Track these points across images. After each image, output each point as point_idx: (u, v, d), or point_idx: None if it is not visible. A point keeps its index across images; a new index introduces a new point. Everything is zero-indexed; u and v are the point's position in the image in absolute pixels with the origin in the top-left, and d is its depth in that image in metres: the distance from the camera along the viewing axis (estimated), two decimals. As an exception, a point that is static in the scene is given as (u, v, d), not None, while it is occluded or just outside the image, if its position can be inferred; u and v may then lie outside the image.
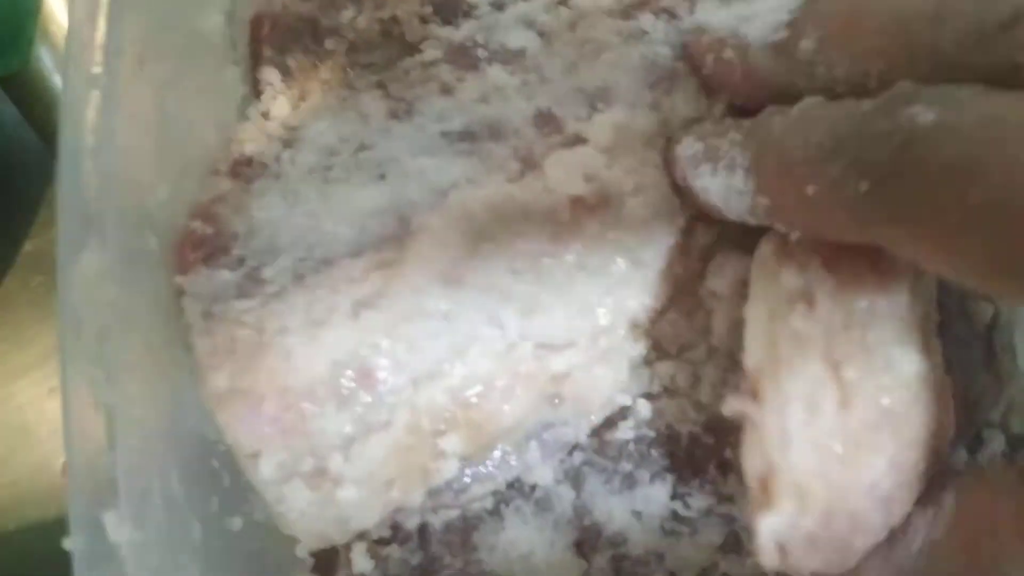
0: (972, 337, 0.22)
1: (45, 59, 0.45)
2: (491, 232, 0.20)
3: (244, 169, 0.25)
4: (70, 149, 0.19)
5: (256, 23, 0.27)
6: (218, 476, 0.23)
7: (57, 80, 0.46)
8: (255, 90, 0.27)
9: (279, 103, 0.26)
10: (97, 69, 0.19)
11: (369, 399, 0.20)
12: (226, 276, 0.21)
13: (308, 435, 0.20)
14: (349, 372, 0.20)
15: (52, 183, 0.52)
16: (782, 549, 0.18)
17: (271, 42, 0.27)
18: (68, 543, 0.18)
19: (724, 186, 0.19)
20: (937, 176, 0.14)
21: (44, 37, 0.45)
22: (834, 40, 0.18)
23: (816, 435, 0.17)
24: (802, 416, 0.18)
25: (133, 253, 0.20)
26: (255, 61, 0.27)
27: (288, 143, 0.25)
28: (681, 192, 0.21)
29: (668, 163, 0.21)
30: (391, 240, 0.21)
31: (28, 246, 0.50)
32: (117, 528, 0.18)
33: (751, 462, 0.18)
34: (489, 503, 0.22)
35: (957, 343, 0.21)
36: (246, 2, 0.27)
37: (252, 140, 0.25)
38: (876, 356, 0.18)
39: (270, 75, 0.26)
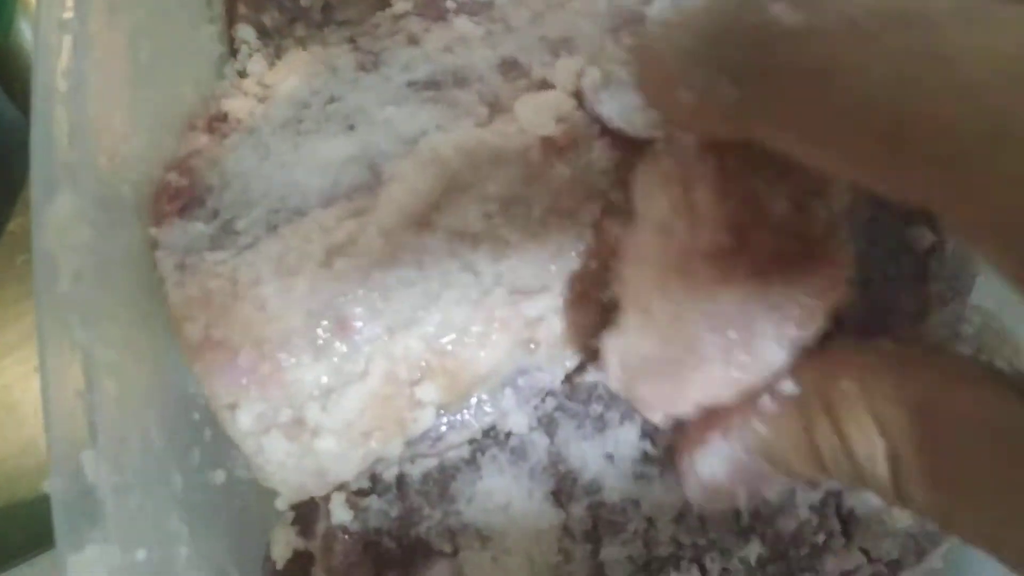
0: (902, 252, 0.22)
1: (25, 34, 0.45)
2: (462, 176, 0.21)
3: (220, 124, 0.25)
4: (42, 93, 0.19)
5: (233, -19, 0.27)
6: (199, 429, 0.23)
7: (38, 56, 0.45)
8: (231, 49, 0.27)
9: (255, 61, 0.26)
10: (68, 14, 0.19)
11: (345, 348, 0.20)
12: (200, 228, 0.21)
13: (285, 385, 0.20)
14: (324, 322, 0.20)
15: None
16: (623, 370, 0.18)
17: (246, 0, 0.27)
18: (46, 485, 0.18)
19: (621, 107, 0.19)
20: (801, 79, 0.14)
21: (24, 13, 0.45)
22: None
23: (667, 258, 0.18)
24: (654, 238, 0.18)
25: (107, 201, 0.20)
26: (231, 19, 0.27)
27: (262, 99, 0.25)
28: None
29: (579, 96, 0.21)
30: (363, 189, 0.21)
31: (12, 225, 0.50)
32: (95, 469, 0.18)
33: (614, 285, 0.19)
34: (466, 452, 0.23)
35: (886, 252, 0.22)
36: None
37: (228, 97, 0.25)
38: (734, 185, 0.18)
39: (246, 33, 0.26)
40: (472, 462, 0.23)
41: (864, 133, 0.14)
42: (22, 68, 0.46)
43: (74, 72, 0.19)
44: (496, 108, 0.22)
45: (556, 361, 0.22)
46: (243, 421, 0.21)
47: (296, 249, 0.20)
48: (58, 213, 0.18)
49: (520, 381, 0.22)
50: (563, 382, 0.22)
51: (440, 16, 0.25)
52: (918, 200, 0.14)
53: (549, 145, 0.21)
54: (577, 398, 0.22)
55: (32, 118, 0.19)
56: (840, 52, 0.14)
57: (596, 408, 0.22)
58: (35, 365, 0.51)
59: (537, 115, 0.21)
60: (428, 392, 0.21)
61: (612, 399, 0.22)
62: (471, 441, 0.23)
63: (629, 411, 0.22)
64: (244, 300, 0.19)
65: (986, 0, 0.13)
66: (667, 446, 0.22)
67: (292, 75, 0.25)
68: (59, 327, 0.18)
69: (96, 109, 0.20)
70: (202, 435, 0.23)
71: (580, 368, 0.22)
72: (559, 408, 0.22)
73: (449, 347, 0.21)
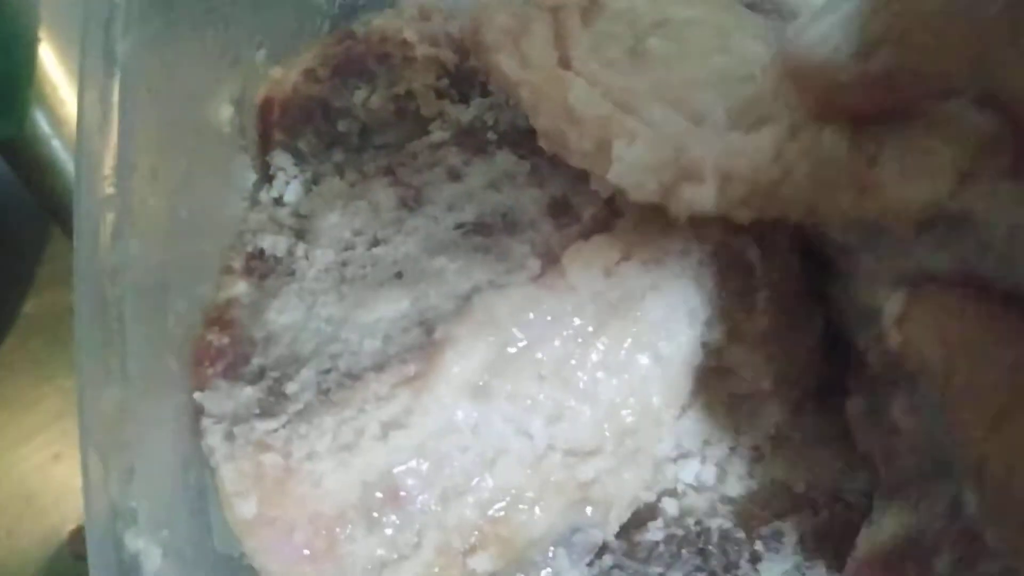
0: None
1: (41, 123, 0.45)
2: (517, 339, 0.20)
3: (257, 264, 0.24)
4: (86, 277, 0.18)
5: (266, 107, 0.27)
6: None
7: (54, 145, 0.45)
8: (265, 175, 0.26)
9: (291, 188, 0.26)
10: (110, 190, 0.19)
11: (398, 520, 0.19)
12: (247, 392, 0.20)
13: (339, 559, 0.19)
14: (378, 494, 0.19)
15: (49, 245, 0.51)
16: None
17: (282, 126, 0.26)
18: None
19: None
20: None
21: (40, 102, 0.45)
22: None
23: None
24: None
25: (154, 380, 0.19)
26: (265, 146, 0.27)
27: (300, 234, 0.25)
28: None
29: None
30: (415, 350, 0.20)
31: (26, 308, 0.49)
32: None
33: None
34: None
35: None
36: (255, 87, 0.27)
37: (263, 230, 0.25)
38: None
39: (282, 159, 0.26)
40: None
41: None
42: (38, 157, 0.46)
43: (117, 252, 0.19)
44: (549, 259, 0.21)
45: (608, 516, 0.21)
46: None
47: (351, 422, 0.19)
48: (106, 410, 0.17)
49: (573, 539, 0.21)
50: (620, 538, 0.22)
51: (481, 148, 0.25)
52: None
53: (600, 300, 0.20)
54: (636, 556, 0.22)
55: (77, 304, 0.18)
56: None
57: (656, 569, 0.21)
58: (55, 453, 0.50)
59: (587, 270, 0.21)
60: (482, 562, 0.20)
61: (673, 558, 0.21)
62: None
63: (693, 573, 0.21)
64: (299, 475, 0.19)
65: None
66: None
67: (330, 211, 0.24)
68: (110, 534, 0.17)
69: (139, 283, 0.19)
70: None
71: (638, 525, 0.22)
72: (617, 566, 0.22)
73: (502, 513, 0.20)
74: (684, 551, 0.22)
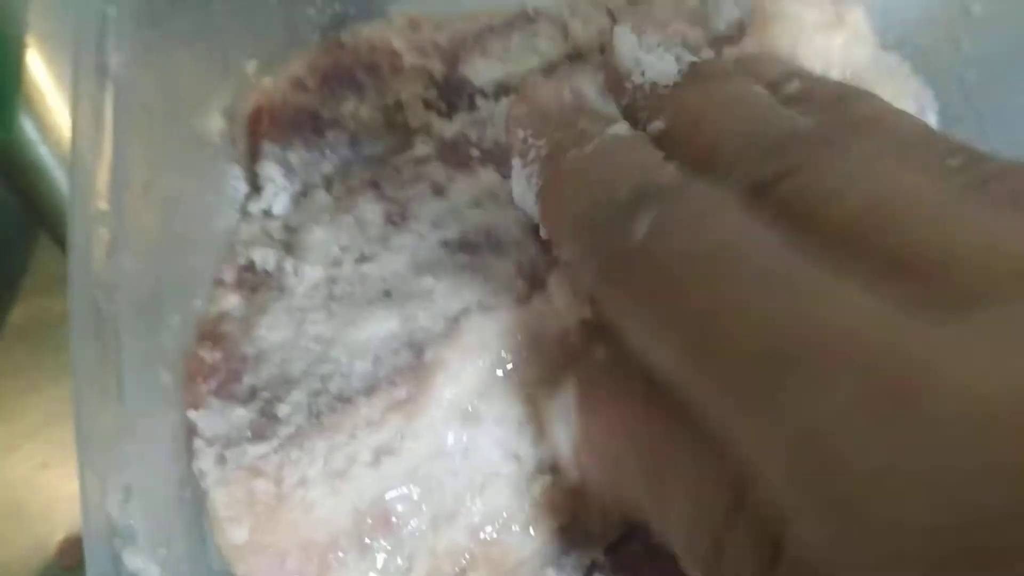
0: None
1: (28, 129, 0.45)
2: (505, 362, 0.20)
3: (248, 277, 0.24)
4: (81, 293, 0.18)
5: (255, 117, 0.26)
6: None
7: (41, 150, 0.45)
8: (255, 186, 0.26)
9: (280, 200, 0.26)
10: (104, 206, 0.19)
11: (389, 546, 0.19)
12: (239, 413, 0.20)
13: (330, 585, 0.19)
14: (369, 520, 0.19)
15: (36, 253, 0.51)
16: None
17: (271, 137, 0.26)
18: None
19: (523, 186, 0.19)
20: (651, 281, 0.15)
21: (27, 107, 0.44)
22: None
23: None
24: None
25: (149, 395, 0.19)
26: (254, 157, 0.27)
27: (289, 248, 0.24)
28: None
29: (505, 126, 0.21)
30: (406, 371, 0.20)
31: (12, 316, 0.49)
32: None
33: None
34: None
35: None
36: (245, 97, 0.27)
37: (254, 242, 0.25)
38: None
39: (271, 170, 0.26)
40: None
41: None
42: (25, 163, 0.46)
43: (111, 267, 0.19)
44: (534, 283, 0.21)
45: (600, 536, 0.22)
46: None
47: (342, 448, 0.19)
48: (103, 429, 0.17)
49: (564, 559, 0.21)
50: (608, 554, 0.22)
51: (464, 164, 0.25)
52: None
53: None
54: (624, 569, 0.22)
55: (71, 323, 0.18)
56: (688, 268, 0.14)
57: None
58: (42, 461, 0.50)
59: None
60: (473, 584, 0.20)
61: (662, 572, 0.22)
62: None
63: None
64: (291, 502, 0.19)
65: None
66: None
67: (317, 225, 0.24)
68: (108, 551, 0.17)
69: (133, 298, 0.19)
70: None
71: (624, 538, 0.22)
72: (607, 584, 0.22)
73: (493, 535, 0.20)
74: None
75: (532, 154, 0.18)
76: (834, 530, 0.11)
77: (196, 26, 0.24)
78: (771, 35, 0.26)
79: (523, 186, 0.19)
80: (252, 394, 0.21)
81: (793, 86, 0.19)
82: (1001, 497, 0.10)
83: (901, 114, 0.18)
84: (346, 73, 0.27)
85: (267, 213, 0.26)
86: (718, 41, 0.26)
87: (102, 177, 0.19)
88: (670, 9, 0.26)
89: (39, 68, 0.44)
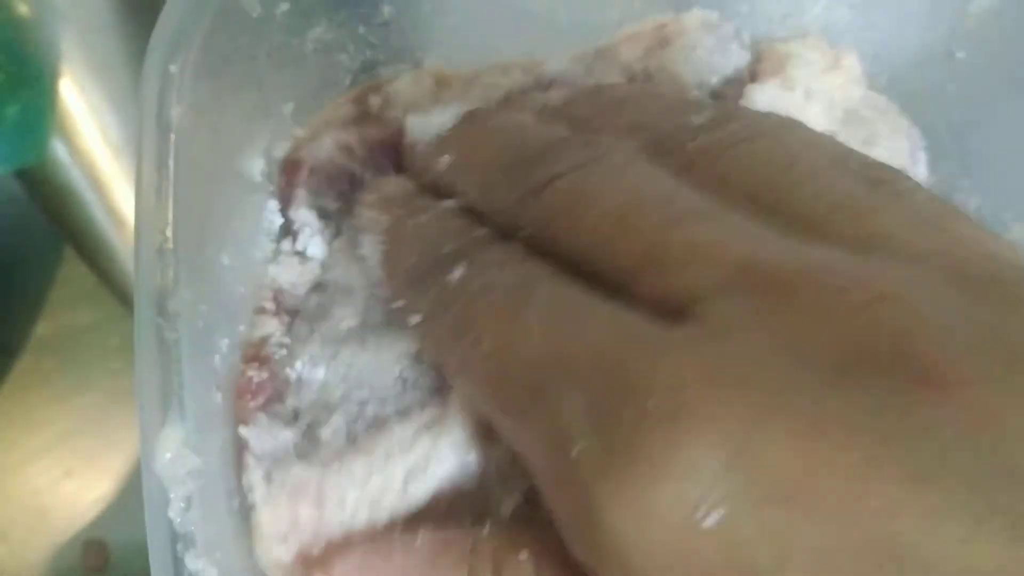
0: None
1: (60, 152, 0.47)
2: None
3: (285, 307, 0.26)
4: (147, 329, 0.20)
5: (293, 166, 0.28)
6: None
7: (72, 173, 0.47)
8: (288, 229, 0.28)
9: (314, 243, 0.28)
10: (168, 245, 0.21)
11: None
12: (285, 435, 0.22)
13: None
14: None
15: (63, 268, 0.53)
16: None
17: (308, 186, 0.28)
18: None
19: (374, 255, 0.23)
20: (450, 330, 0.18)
21: (60, 132, 0.46)
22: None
23: None
24: None
25: (205, 414, 0.21)
26: (287, 201, 0.28)
27: (323, 286, 0.26)
28: None
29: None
30: (432, 391, 0.23)
31: (40, 329, 0.51)
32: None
33: None
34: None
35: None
36: (281, 139, 0.29)
37: (291, 278, 0.27)
38: None
39: (305, 216, 0.28)
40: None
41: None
42: (56, 184, 0.48)
43: (175, 298, 0.21)
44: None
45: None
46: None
47: (379, 472, 0.21)
48: (166, 446, 0.20)
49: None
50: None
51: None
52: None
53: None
54: None
55: (136, 350, 0.20)
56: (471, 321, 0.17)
57: None
58: (65, 470, 0.52)
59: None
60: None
61: None
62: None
63: None
64: (331, 525, 0.21)
65: None
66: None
67: (349, 263, 0.26)
68: (170, 557, 0.19)
69: (192, 326, 0.21)
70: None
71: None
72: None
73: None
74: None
75: (379, 228, 0.22)
76: (569, 511, 0.13)
77: (244, 76, 0.26)
78: (787, 75, 0.28)
79: (374, 254, 0.23)
80: (295, 415, 0.23)
81: (562, 100, 0.23)
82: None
83: (660, 113, 0.20)
84: (392, 150, 0.28)
85: (300, 255, 0.28)
86: (731, 83, 0.29)
87: (165, 218, 0.22)
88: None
89: (71, 94, 0.46)
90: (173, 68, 0.23)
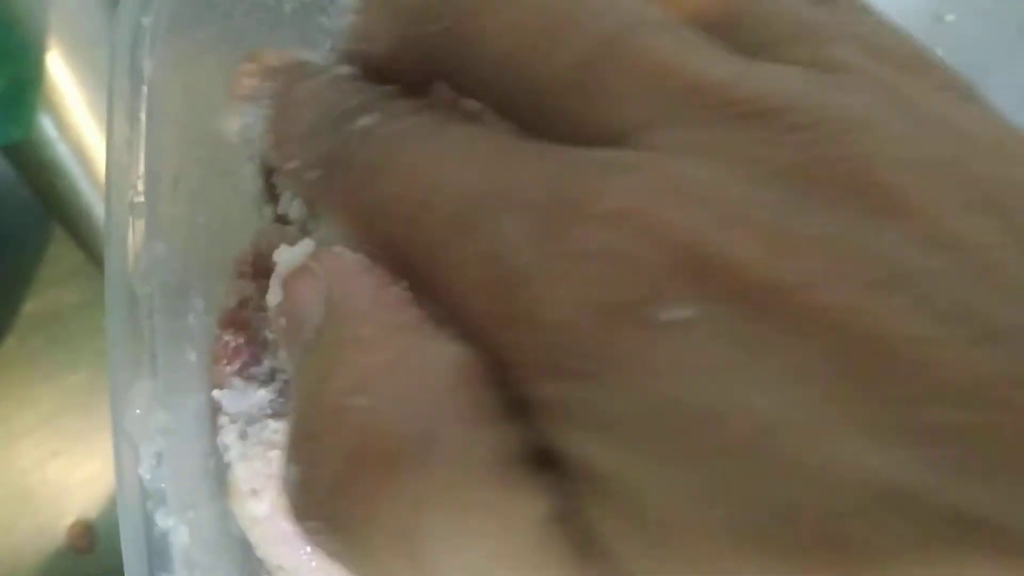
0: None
1: (48, 127, 0.46)
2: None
3: (265, 268, 0.26)
4: (117, 282, 0.20)
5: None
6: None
7: (59, 148, 0.47)
8: (270, 193, 0.28)
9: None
10: (139, 198, 0.21)
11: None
12: (260, 394, 0.22)
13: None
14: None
15: (51, 246, 0.52)
16: None
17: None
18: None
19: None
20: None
21: (46, 107, 0.46)
22: None
23: None
24: None
25: (177, 372, 0.21)
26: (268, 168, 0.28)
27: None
28: None
29: None
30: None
31: (28, 307, 0.51)
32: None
33: None
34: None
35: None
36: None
37: (270, 240, 0.26)
38: None
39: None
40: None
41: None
42: (43, 160, 0.47)
43: (146, 254, 0.20)
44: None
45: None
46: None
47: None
48: (137, 401, 0.19)
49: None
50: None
51: None
52: None
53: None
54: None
55: (107, 304, 0.20)
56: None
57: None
58: (52, 449, 0.51)
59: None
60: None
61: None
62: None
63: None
64: None
65: None
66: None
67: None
68: (139, 515, 0.19)
69: (166, 282, 0.21)
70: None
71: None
72: None
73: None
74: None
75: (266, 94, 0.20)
76: (503, 314, 0.13)
77: (219, 33, 0.25)
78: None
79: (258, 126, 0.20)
80: (272, 375, 0.23)
81: None
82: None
83: None
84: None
85: (283, 220, 0.28)
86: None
87: (136, 172, 0.21)
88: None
89: (59, 69, 0.45)
90: (146, 21, 0.22)
